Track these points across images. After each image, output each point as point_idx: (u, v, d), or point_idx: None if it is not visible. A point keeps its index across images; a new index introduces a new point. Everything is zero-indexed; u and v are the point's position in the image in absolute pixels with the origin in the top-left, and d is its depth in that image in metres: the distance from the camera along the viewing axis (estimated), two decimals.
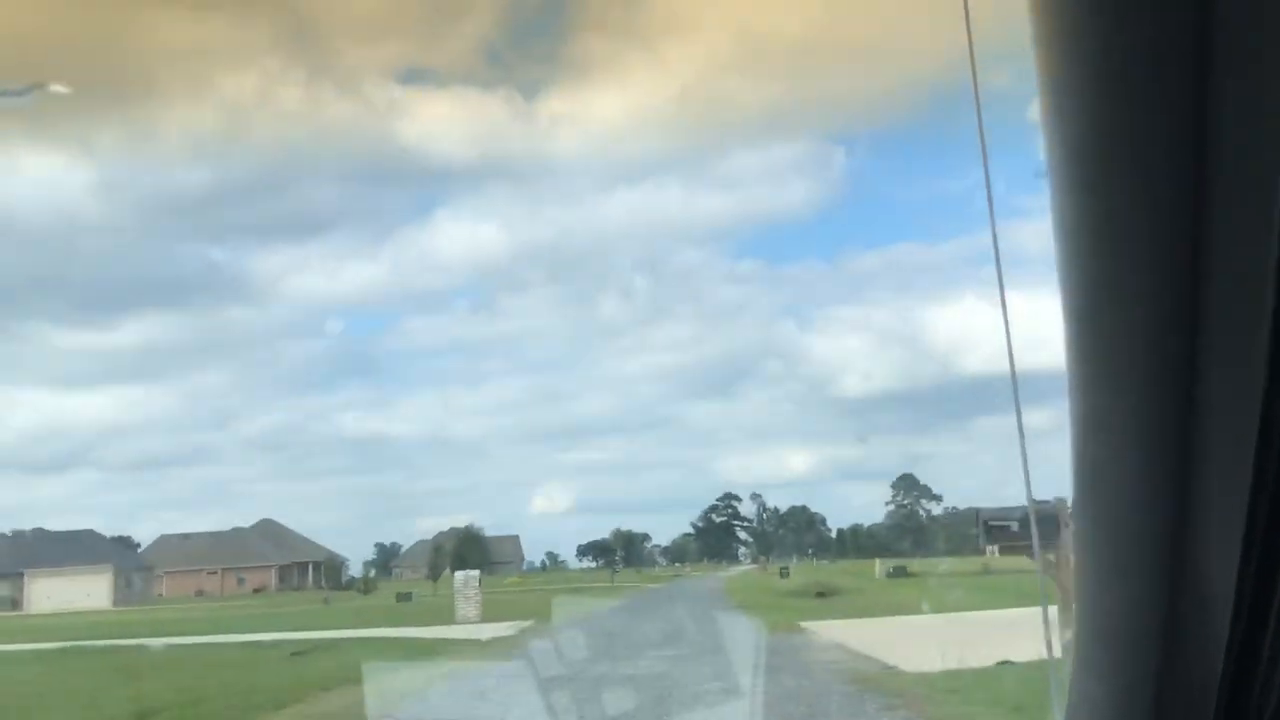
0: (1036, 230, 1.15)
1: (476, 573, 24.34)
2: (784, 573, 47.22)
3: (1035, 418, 1.69)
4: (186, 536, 76.26)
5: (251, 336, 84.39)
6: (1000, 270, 1.62)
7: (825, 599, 27.80)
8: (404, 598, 35.79)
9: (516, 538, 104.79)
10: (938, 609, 20.00)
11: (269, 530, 76.97)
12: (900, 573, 43.09)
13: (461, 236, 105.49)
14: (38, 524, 66.44)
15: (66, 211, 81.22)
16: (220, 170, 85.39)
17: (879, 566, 45.40)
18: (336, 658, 15.53)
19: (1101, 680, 1.24)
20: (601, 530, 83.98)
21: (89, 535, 57.25)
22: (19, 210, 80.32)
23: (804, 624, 18.82)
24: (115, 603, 52.58)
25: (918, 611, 19.80)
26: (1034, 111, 1.08)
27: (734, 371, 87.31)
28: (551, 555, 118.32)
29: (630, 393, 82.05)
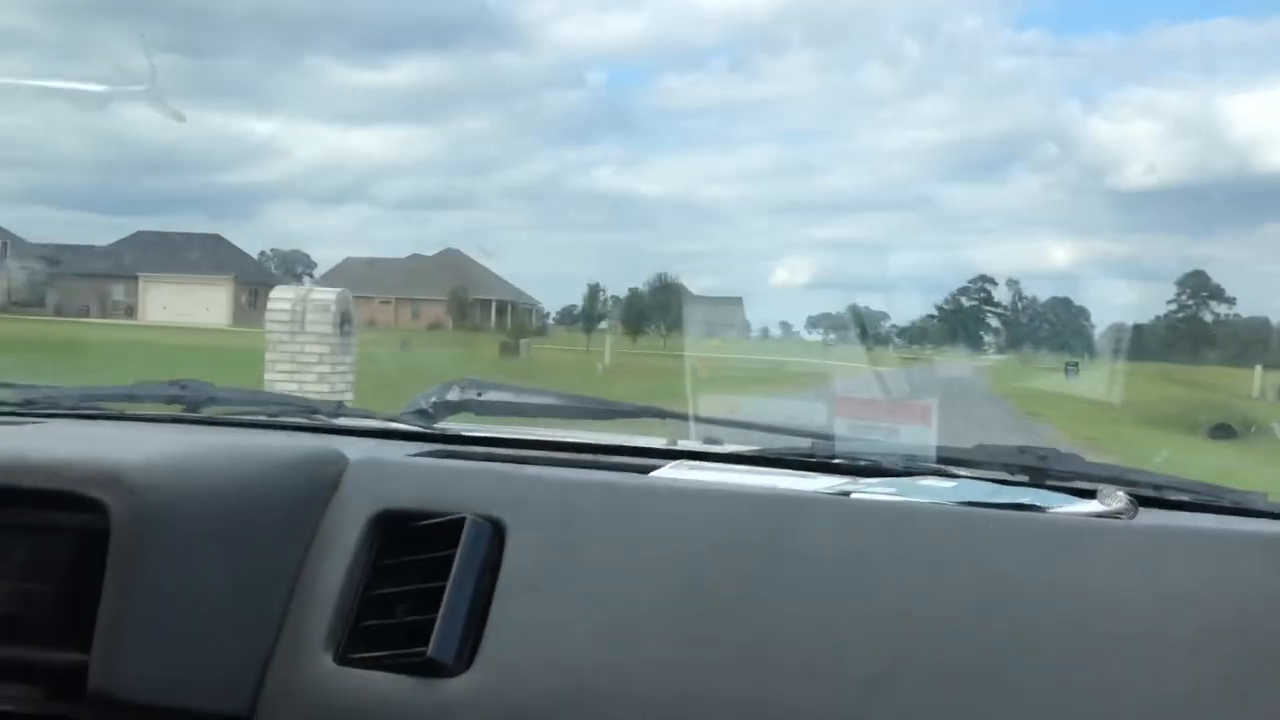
0: None
1: None
2: (1071, 369, 32.90)
3: None
4: (372, 262, 69.62)
5: (515, 83, 78.27)
6: None
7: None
8: (508, 350, 27.08)
9: (738, 300, 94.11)
10: None
11: (452, 261, 68.59)
12: None
13: None
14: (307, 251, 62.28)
15: None
16: None
17: (1259, 379, 29.54)
18: None
19: None
20: (839, 306, 73.97)
21: (214, 240, 49.86)
22: None
23: None
24: (234, 320, 45.10)
25: None
26: None
27: (1002, 153, 76.71)
28: (785, 325, 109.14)
29: (886, 169, 72.54)
